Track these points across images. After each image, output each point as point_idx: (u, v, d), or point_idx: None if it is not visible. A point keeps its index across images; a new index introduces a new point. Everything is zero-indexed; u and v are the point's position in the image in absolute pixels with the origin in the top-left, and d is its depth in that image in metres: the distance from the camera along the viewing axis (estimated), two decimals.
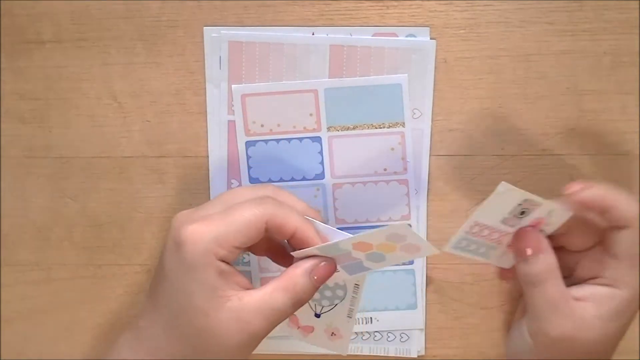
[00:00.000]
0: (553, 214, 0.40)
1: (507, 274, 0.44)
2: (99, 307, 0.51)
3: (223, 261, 0.36)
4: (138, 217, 0.50)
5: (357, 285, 0.41)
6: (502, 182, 0.37)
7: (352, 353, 0.50)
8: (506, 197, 0.37)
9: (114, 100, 0.49)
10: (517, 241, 0.40)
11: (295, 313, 0.39)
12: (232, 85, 0.48)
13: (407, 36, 0.47)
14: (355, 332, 0.50)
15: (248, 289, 0.37)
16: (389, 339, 0.50)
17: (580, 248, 0.42)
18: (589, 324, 0.38)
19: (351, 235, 0.37)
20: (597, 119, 0.48)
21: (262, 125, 0.48)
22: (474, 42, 0.47)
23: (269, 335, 0.50)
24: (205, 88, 0.48)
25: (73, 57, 0.49)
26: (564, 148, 0.48)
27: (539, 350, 0.40)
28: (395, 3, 0.47)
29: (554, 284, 0.39)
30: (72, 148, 0.50)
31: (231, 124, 0.48)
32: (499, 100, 0.48)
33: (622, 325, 0.40)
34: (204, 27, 0.48)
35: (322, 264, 0.38)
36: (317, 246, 0.38)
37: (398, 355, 0.50)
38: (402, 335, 0.50)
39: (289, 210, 0.38)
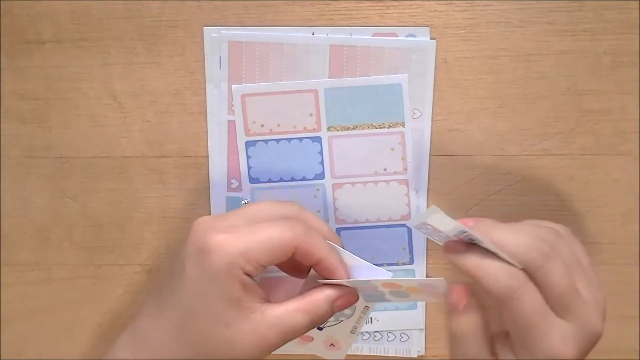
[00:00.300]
0: (501, 256, 0.36)
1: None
2: (99, 307, 0.51)
3: (247, 275, 0.36)
4: (138, 217, 0.50)
5: (367, 307, 0.42)
6: (434, 206, 0.35)
7: (352, 353, 0.50)
8: (444, 221, 0.35)
9: (114, 100, 0.49)
10: (449, 292, 0.38)
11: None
12: (232, 85, 0.48)
13: (407, 36, 0.47)
14: None
15: (266, 301, 0.38)
16: (389, 339, 0.50)
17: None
18: None
19: (384, 278, 0.37)
20: (597, 119, 0.48)
21: (262, 125, 0.48)
22: (474, 42, 0.47)
23: None
24: (205, 88, 0.48)
25: (73, 57, 0.49)
26: (564, 148, 0.48)
27: None
28: (395, 3, 0.47)
29: (474, 345, 0.36)
30: (72, 148, 0.50)
31: (231, 124, 0.48)
32: (499, 100, 0.48)
33: None
34: (204, 27, 0.48)
35: (346, 295, 0.38)
36: (347, 280, 0.38)
37: (398, 355, 0.50)
38: (402, 335, 0.50)
39: (317, 238, 0.37)
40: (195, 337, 0.36)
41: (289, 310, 0.37)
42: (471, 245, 0.35)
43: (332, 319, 0.42)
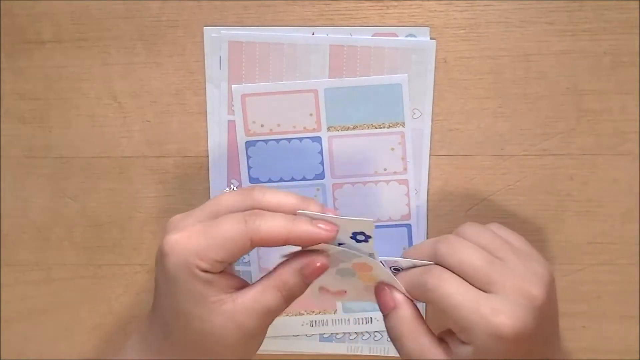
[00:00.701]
0: (417, 264, 0.38)
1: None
2: (99, 307, 0.51)
3: (208, 272, 0.36)
4: (138, 217, 0.50)
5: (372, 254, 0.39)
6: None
7: (352, 353, 0.50)
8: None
9: (114, 100, 0.49)
10: (377, 296, 0.38)
11: (324, 284, 0.39)
12: (232, 85, 0.48)
13: (407, 36, 0.47)
14: (355, 332, 0.50)
15: (239, 287, 0.37)
16: (388, 339, 0.50)
17: None
18: None
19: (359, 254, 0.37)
20: (597, 119, 0.48)
21: (262, 125, 0.48)
22: (474, 42, 0.47)
23: (272, 335, 0.50)
24: (205, 88, 0.48)
25: (73, 57, 0.49)
26: (564, 148, 0.48)
27: None
28: (395, 3, 0.47)
29: (411, 341, 0.37)
30: (72, 148, 0.50)
31: (231, 124, 0.48)
32: (499, 100, 0.48)
33: None
34: (204, 27, 0.48)
35: (312, 261, 0.37)
36: (325, 245, 0.37)
37: (398, 356, 0.50)
38: None
39: (273, 222, 0.36)
40: (180, 335, 0.37)
41: (258, 291, 0.37)
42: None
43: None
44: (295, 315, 0.50)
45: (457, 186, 0.49)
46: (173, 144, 0.49)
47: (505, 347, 0.33)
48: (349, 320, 0.50)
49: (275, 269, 0.38)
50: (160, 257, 0.36)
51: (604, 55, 0.47)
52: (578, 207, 0.48)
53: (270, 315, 0.37)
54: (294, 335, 0.50)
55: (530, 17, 0.47)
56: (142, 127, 0.49)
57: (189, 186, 0.49)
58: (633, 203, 0.48)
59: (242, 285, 0.38)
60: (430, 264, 0.36)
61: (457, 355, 0.35)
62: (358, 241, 0.37)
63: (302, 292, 0.38)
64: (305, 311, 0.50)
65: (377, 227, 0.49)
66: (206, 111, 0.49)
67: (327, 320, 0.50)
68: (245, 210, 0.37)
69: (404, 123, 0.48)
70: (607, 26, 0.46)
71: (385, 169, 0.48)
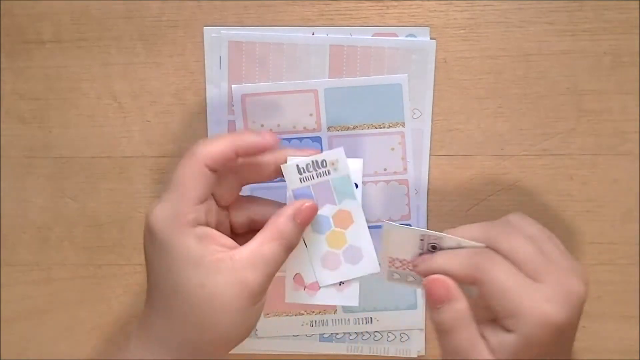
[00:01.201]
0: (463, 244, 0.37)
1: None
2: (99, 307, 0.51)
3: (198, 225, 0.36)
4: (138, 217, 0.50)
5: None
6: (385, 222, 0.37)
7: (352, 353, 0.50)
8: (399, 234, 0.37)
9: (114, 100, 0.49)
10: (426, 290, 0.37)
11: (300, 271, 0.40)
12: (232, 85, 0.48)
13: (407, 36, 0.47)
14: (355, 332, 0.50)
15: (234, 247, 0.37)
16: (389, 339, 0.50)
17: None
18: None
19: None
20: (597, 119, 0.48)
21: (262, 125, 0.48)
22: (474, 42, 0.47)
23: (272, 335, 0.50)
24: (205, 88, 0.48)
25: (73, 57, 0.49)
26: (564, 148, 0.48)
27: None
28: (395, 3, 0.47)
29: (466, 332, 0.36)
30: (72, 148, 0.50)
31: (231, 124, 0.48)
32: (499, 100, 0.48)
33: None
34: (204, 27, 0.48)
35: (302, 205, 0.39)
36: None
37: (398, 355, 0.50)
38: (402, 335, 0.50)
39: (218, 139, 0.38)
40: (181, 312, 0.36)
41: (257, 244, 0.37)
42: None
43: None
44: (295, 315, 0.50)
45: (457, 186, 0.49)
46: (173, 144, 0.49)
47: (548, 335, 0.34)
48: (349, 320, 0.50)
49: (268, 222, 0.38)
50: (147, 234, 0.37)
51: (604, 55, 0.47)
52: (578, 207, 0.48)
53: (271, 267, 0.37)
54: (294, 335, 0.50)
55: (530, 17, 0.47)
56: (142, 127, 0.49)
57: None
58: (633, 203, 0.48)
59: (236, 245, 0.38)
60: (481, 246, 0.36)
61: (497, 345, 0.35)
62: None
63: (298, 239, 0.39)
64: (305, 311, 0.50)
65: (377, 227, 0.49)
66: (206, 111, 0.49)
67: (327, 320, 0.50)
68: None
69: (404, 123, 0.48)
70: (607, 26, 0.47)
71: (385, 169, 0.48)
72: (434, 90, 0.48)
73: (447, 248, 0.37)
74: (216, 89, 0.48)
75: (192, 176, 0.37)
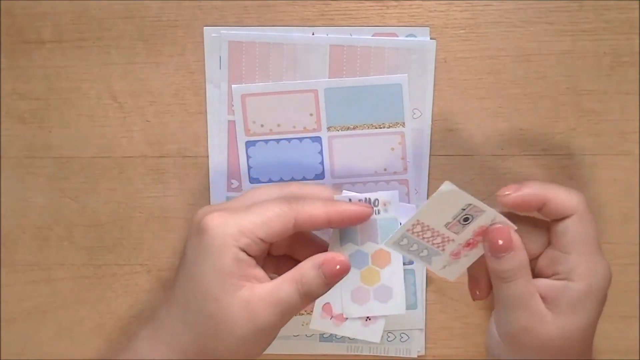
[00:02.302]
0: (497, 222, 0.39)
1: (480, 295, 0.42)
2: (99, 307, 0.51)
3: (244, 251, 0.36)
4: (138, 217, 0.50)
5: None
6: (447, 181, 0.36)
7: (352, 353, 0.50)
8: (450, 198, 0.37)
9: (114, 100, 0.49)
10: (490, 237, 0.38)
11: (330, 301, 0.40)
12: (232, 85, 0.48)
13: (407, 36, 0.47)
14: None
15: (262, 280, 0.37)
16: (389, 339, 0.50)
17: (534, 254, 0.40)
18: (544, 319, 0.38)
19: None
20: (597, 119, 0.48)
21: (262, 125, 0.48)
22: (474, 42, 0.47)
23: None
24: (205, 88, 0.48)
25: (73, 57, 0.49)
26: (564, 148, 0.48)
27: (506, 347, 0.40)
28: (395, 3, 0.47)
29: (524, 280, 0.38)
30: (72, 148, 0.50)
31: (231, 124, 0.48)
32: (499, 100, 0.48)
33: (582, 319, 0.38)
34: (204, 27, 0.48)
35: (331, 258, 0.38)
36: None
37: (398, 355, 0.50)
38: (402, 335, 0.50)
39: (314, 202, 0.38)
40: (195, 317, 0.37)
41: (276, 284, 0.37)
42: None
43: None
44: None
45: (457, 186, 0.48)
46: (173, 144, 0.49)
47: (605, 288, 0.38)
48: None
49: (298, 264, 0.38)
50: (199, 233, 0.37)
51: (604, 55, 0.47)
52: None
53: (283, 307, 0.37)
54: (294, 335, 0.50)
55: (530, 17, 0.47)
56: (142, 127, 0.49)
57: (189, 186, 0.49)
58: (633, 203, 0.48)
59: (265, 279, 0.38)
60: (513, 227, 0.39)
61: (556, 297, 0.38)
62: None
63: (321, 291, 0.38)
64: (305, 311, 0.50)
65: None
66: (206, 111, 0.49)
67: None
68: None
69: (404, 123, 0.48)
70: (607, 26, 0.47)
71: (385, 169, 0.48)
72: (434, 90, 0.48)
73: (480, 223, 0.39)
74: (216, 89, 0.48)
75: (278, 218, 0.37)
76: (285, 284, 0.37)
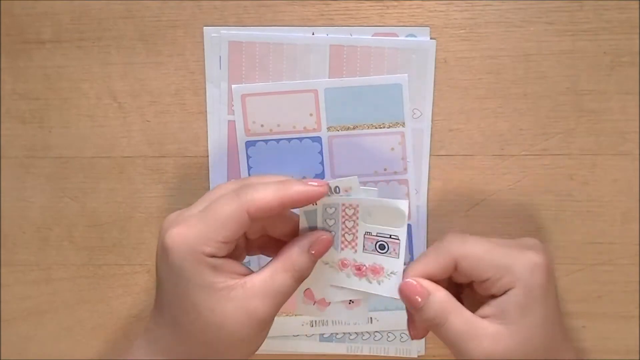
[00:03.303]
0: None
1: (416, 335, 0.41)
2: (99, 307, 0.51)
3: (213, 256, 0.36)
4: (138, 217, 0.50)
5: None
6: (406, 201, 0.37)
7: (352, 353, 0.50)
8: (395, 216, 0.37)
9: (114, 100, 0.49)
10: (403, 295, 0.38)
11: (310, 287, 0.40)
12: (232, 85, 0.48)
13: (407, 36, 0.47)
14: (355, 332, 0.50)
15: (247, 274, 0.37)
16: (389, 339, 0.50)
17: (466, 281, 0.39)
18: (499, 336, 0.36)
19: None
20: (597, 119, 0.48)
21: (262, 125, 0.48)
22: (474, 42, 0.47)
23: (272, 335, 0.50)
24: (205, 88, 0.48)
25: (73, 57, 0.49)
26: (564, 148, 0.48)
27: None
28: (395, 3, 0.47)
29: (456, 316, 0.37)
30: (72, 148, 0.50)
31: (231, 124, 0.48)
32: (499, 100, 0.48)
33: (538, 315, 0.37)
34: (204, 27, 0.48)
35: (319, 239, 0.38)
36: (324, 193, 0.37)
37: (398, 355, 0.50)
38: (402, 335, 0.50)
39: (265, 188, 0.36)
40: (189, 330, 0.36)
41: (268, 275, 0.37)
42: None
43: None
44: (295, 315, 0.50)
45: (457, 186, 0.49)
46: (173, 144, 0.49)
47: (544, 276, 0.37)
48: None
49: (282, 251, 0.38)
50: (163, 252, 0.36)
51: (604, 55, 0.47)
52: (578, 207, 0.48)
53: (281, 297, 0.37)
54: (294, 335, 0.50)
55: (530, 17, 0.47)
56: (142, 127, 0.49)
57: (189, 186, 0.49)
58: (633, 203, 0.48)
59: (249, 272, 0.37)
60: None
61: (501, 311, 0.37)
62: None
63: (310, 270, 0.38)
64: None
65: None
66: (206, 111, 0.49)
67: (327, 320, 0.50)
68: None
69: (404, 123, 0.48)
70: (607, 26, 0.47)
71: (385, 169, 0.48)
72: (434, 90, 0.48)
73: (384, 266, 0.38)
74: (216, 89, 0.48)
75: (231, 218, 0.36)
76: (278, 274, 0.37)
